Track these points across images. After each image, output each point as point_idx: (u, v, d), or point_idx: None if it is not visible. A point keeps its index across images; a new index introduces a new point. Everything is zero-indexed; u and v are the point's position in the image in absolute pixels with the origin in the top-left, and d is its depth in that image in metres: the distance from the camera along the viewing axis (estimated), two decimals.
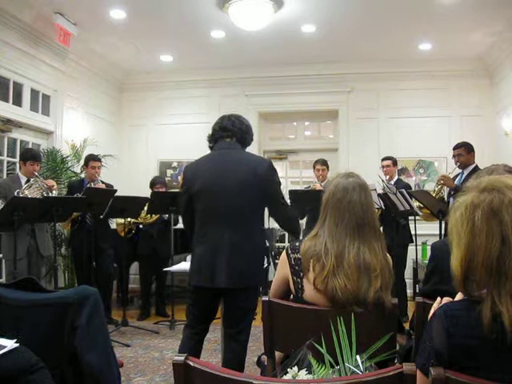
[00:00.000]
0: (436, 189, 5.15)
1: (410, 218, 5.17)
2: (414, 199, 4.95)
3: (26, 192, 4.45)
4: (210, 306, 2.83)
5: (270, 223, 6.45)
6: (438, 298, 1.39)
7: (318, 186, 5.80)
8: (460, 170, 5.06)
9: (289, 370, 1.45)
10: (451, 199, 5.00)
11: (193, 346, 2.81)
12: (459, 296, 1.27)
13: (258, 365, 2.27)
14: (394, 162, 5.79)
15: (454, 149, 5.07)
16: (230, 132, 2.81)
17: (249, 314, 2.82)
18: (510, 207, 1.14)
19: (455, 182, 4.90)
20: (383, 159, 5.82)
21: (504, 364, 1.11)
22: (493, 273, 1.13)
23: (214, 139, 2.87)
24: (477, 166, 4.87)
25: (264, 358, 2.06)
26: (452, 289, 1.65)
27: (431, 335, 1.19)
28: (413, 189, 5.90)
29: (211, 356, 4.20)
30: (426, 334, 1.22)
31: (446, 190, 5.24)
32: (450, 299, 1.30)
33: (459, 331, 1.15)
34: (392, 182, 5.65)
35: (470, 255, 1.16)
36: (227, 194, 2.68)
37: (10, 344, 1.84)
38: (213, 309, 2.86)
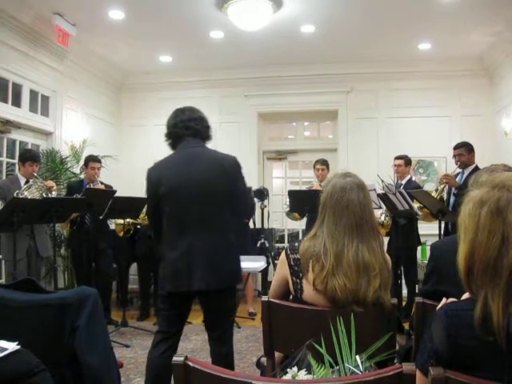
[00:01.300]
0: (439, 188, 5.14)
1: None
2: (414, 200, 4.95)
3: (26, 193, 4.45)
4: (184, 309, 2.74)
5: (270, 223, 6.48)
6: (444, 299, 1.39)
7: (316, 186, 5.80)
8: (460, 170, 5.06)
9: (288, 370, 1.45)
10: (452, 198, 5.00)
11: (165, 351, 2.66)
12: (466, 296, 1.27)
13: (257, 366, 2.26)
14: (407, 162, 5.75)
15: (455, 149, 5.08)
16: (193, 130, 2.69)
17: (230, 314, 2.79)
18: None
19: (456, 181, 4.90)
20: (396, 158, 5.79)
21: (502, 364, 1.11)
22: (489, 271, 1.13)
23: (174, 137, 2.72)
24: (477, 165, 4.87)
25: (264, 359, 2.05)
26: (451, 289, 1.66)
27: (431, 335, 1.19)
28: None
29: (210, 356, 4.20)
30: (427, 334, 1.22)
31: (445, 190, 5.24)
32: (455, 300, 1.29)
33: (459, 331, 1.15)
34: (403, 182, 5.64)
35: (472, 250, 1.16)
36: (197, 196, 2.58)
37: (11, 346, 1.83)
38: (187, 311, 2.77)
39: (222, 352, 2.71)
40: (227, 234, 2.66)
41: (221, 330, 2.70)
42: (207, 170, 2.62)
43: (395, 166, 5.74)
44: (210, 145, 2.86)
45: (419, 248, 5.58)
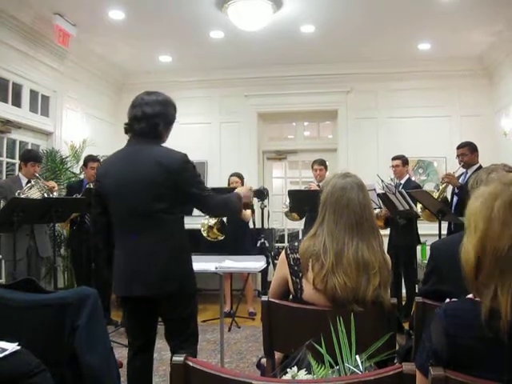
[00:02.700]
0: (441, 188, 5.13)
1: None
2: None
3: (28, 193, 4.45)
4: (141, 318, 2.53)
5: (270, 223, 6.47)
6: (447, 300, 1.39)
7: (314, 186, 5.81)
8: (464, 170, 5.06)
9: (288, 370, 1.45)
10: (455, 198, 5.00)
11: (139, 367, 2.56)
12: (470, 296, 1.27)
13: (258, 368, 2.26)
14: (404, 162, 5.75)
15: (458, 148, 5.07)
16: (141, 127, 2.49)
17: (184, 324, 2.53)
18: None
19: (459, 181, 4.89)
20: (393, 158, 5.79)
21: (502, 364, 1.11)
22: (500, 263, 1.13)
23: (129, 130, 2.56)
24: (480, 165, 4.85)
25: (264, 361, 2.06)
26: (451, 289, 1.66)
27: (430, 335, 1.19)
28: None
29: (210, 356, 4.20)
30: (426, 334, 1.22)
31: (447, 190, 5.24)
32: (455, 300, 1.30)
33: (459, 331, 1.15)
34: (402, 182, 5.64)
35: (483, 242, 1.16)
36: (136, 195, 2.41)
37: (11, 347, 1.83)
38: (145, 321, 2.55)
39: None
40: (170, 236, 2.46)
41: (179, 340, 2.50)
42: (146, 169, 2.42)
43: (393, 166, 5.74)
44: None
45: (419, 248, 5.58)
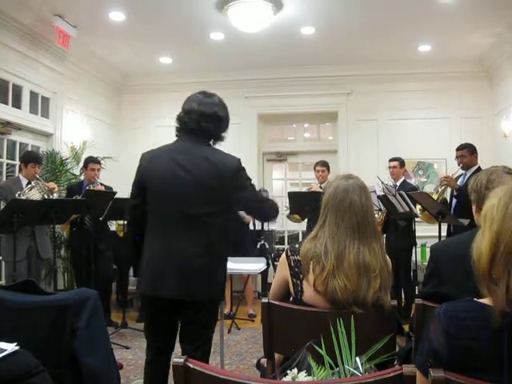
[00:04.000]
0: (439, 190, 5.14)
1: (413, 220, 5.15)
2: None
3: (28, 194, 4.45)
4: (165, 320, 2.45)
5: (270, 225, 6.47)
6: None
7: (315, 187, 5.81)
8: (463, 171, 5.06)
9: (288, 371, 1.45)
10: (454, 200, 5.00)
11: (157, 370, 2.49)
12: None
13: (257, 368, 2.26)
14: (402, 164, 5.78)
15: (457, 150, 5.08)
16: (198, 126, 2.41)
17: (204, 330, 2.45)
18: None
19: (458, 183, 4.90)
20: (390, 160, 5.81)
21: (502, 365, 1.11)
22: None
23: (180, 125, 2.48)
24: (479, 167, 4.87)
25: (263, 361, 2.05)
26: (451, 290, 1.66)
27: (430, 336, 1.19)
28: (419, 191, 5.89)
29: (210, 358, 4.19)
30: (426, 334, 1.22)
31: (447, 192, 5.24)
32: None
33: (459, 332, 1.14)
34: (398, 184, 5.65)
35: (498, 236, 1.17)
36: (184, 194, 2.33)
37: (10, 347, 1.83)
38: (170, 324, 2.48)
39: (197, 356, 2.40)
40: (212, 243, 2.37)
41: (193, 345, 2.41)
42: (199, 169, 2.35)
43: (390, 167, 5.75)
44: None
45: (418, 250, 5.58)
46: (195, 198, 2.34)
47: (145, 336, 2.56)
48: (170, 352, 2.51)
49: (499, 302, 1.12)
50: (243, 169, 2.45)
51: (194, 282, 2.33)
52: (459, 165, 5.03)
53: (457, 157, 5.06)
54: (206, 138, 2.45)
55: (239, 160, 2.45)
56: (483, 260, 1.19)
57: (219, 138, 2.51)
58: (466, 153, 4.98)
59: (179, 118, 2.48)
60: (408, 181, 6.12)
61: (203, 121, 2.41)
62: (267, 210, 2.61)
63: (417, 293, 5.22)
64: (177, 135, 2.51)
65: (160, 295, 2.35)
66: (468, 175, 4.91)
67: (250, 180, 2.50)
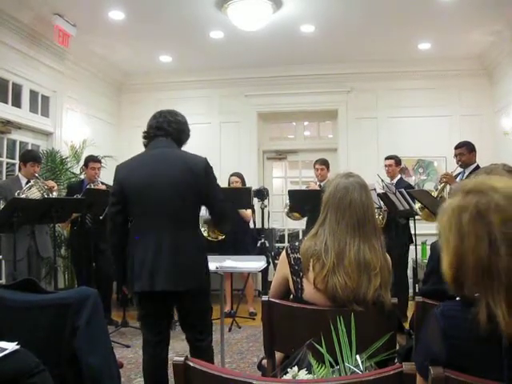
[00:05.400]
0: (439, 187, 5.14)
1: (411, 218, 5.16)
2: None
3: (27, 193, 4.45)
4: (159, 313, 2.68)
5: (270, 223, 6.48)
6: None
7: (313, 185, 5.81)
8: (461, 169, 5.06)
9: (289, 370, 1.45)
10: None
11: (157, 363, 2.66)
12: None
13: (258, 369, 2.26)
14: (397, 162, 5.77)
15: (456, 148, 5.08)
16: (165, 131, 2.70)
17: (203, 315, 2.76)
18: (497, 210, 1.14)
19: (456, 180, 4.90)
20: (386, 158, 5.81)
21: (501, 364, 1.10)
22: (484, 276, 1.13)
23: (148, 137, 2.76)
24: (478, 165, 4.87)
25: (265, 362, 2.05)
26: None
27: (427, 337, 1.19)
28: (415, 188, 5.90)
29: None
30: (423, 335, 1.22)
31: (446, 190, 5.24)
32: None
33: (457, 332, 1.14)
34: (394, 182, 5.65)
35: (459, 259, 1.16)
36: (163, 195, 2.58)
37: (10, 346, 1.83)
38: (163, 316, 2.71)
39: (200, 348, 2.72)
40: (192, 235, 2.65)
41: (196, 330, 2.71)
42: (172, 170, 2.62)
43: (386, 166, 5.75)
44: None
45: (419, 248, 5.59)
46: (176, 198, 2.60)
47: (142, 333, 2.76)
48: (168, 345, 2.75)
49: (480, 320, 1.12)
50: (211, 167, 2.73)
51: (184, 274, 2.58)
52: (458, 163, 5.04)
53: (455, 155, 5.06)
54: (175, 141, 2.74)
55: (206, 159, 2.72)
56: (449, 280, 1.20)
57: (181, 140, 2.80)
58: (465, 151, 4.98)
59: (148, 130, 2.76)
60: (405, 179, 6.13)
61: (171, 127, 2.72)
62: (227, 211, 2.88)
63: (417, 291, 5.24)
64: (145, 145, 2.78)
65: (155, 290, 2.55)
66: (467, 173, 4.91)
67: (216, 179, 2.78)
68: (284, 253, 2.02)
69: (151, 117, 2.80)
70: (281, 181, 8.30)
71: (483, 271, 1.12)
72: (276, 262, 5.66)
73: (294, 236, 7.91)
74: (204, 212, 2.99)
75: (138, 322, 2.90)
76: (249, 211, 5.71)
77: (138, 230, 2.65)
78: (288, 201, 5.74)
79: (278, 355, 2.03)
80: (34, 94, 5.97)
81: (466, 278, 1.16)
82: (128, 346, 4.50)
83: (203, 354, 2.66)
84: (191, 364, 1.20)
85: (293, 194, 5.69)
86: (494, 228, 1.12)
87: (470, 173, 4.74)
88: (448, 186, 5.05)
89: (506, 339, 1.08)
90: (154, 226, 2.59)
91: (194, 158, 2.70)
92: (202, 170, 2.63)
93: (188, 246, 2.61)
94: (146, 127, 2.79)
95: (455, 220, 1.17)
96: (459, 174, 5.08)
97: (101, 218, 4.91)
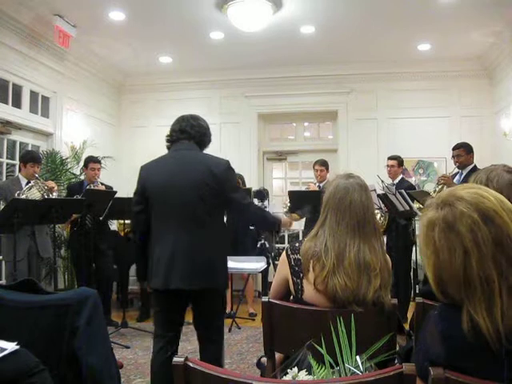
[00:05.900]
0: (437, 189, 5.14)
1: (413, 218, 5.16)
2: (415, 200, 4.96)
3: (27, 194, 4.45)
4: (174, 310, 2.76)
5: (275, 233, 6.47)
6: None
7: (313, 186, 5.80)
8: (459, 170, 5.07)
9: (289, 370, 1.45)
10: None
11: (167, 359, 2.67)
12: None
13: (258, 367, 2.26)
14: (400, 163, 5.74)
15: (454, 149, 5.08)
16: (188, 134, 2.79)
17: (216, 315, 2.80)
18: (463, 218, 1.15)
19: (454, 181, 4.91)
20: (389, 158, 5.78)
21: (500, 364, 1.10)
22: (462, 285, 1.14)
23: (171, 140, 2.85)
24: (475, 166, 4.88)
25: (264, 360, 2.06)
26: None
27: (426, 340, 1.19)
28: (416, 189, 5.89)
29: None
30: (421, 337, 1.22)
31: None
32: None
33: (455, 334, 1.14)
34: (395, 182, 5.64)
35: (438, 273, 1.18)
36: (182, 195, 2.65)
37: (10, 346, 1.83)
38: (178, 313, 2.78)
39: (210, 349, 2.76)
40: (211, 235, 2.69)
41: (208, 331, 2.76)
42: (193, 171, 2.68)
43: (388, 166, 5.74)
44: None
45: (419, 248, 5.59)
46: (195, 199, 2.64)
47: (154, 328, 2.81)
48: (177, 342, 2.79)
49: (465, 326, 1.13)
50: (233, 169, 2.80)
51: (198, 274, 2.62)
52: (455, 164, 5.04)
53: (453, 156, 5.07)
54: (197, 144, 2.81)
55: (228, 161, 2.78)
56: (435, 290, 1.21)
57: (204, 143, 2.88)
58: (463, 152, 4.98)
59: (171, 133, 2.85)
60: (406, 179, 6.11)
61: (193, 130, 2.80)
62: (254, 217, 2.96)
63: (417, 291, 5.24)
64: (168, 148, 2.86)
65: (169, 288, 2.62)
66: (464, 174, 4.93)
67: (240, 184, 2.82)
68: (284, 254, 2.02)
69: (174, 121, 2.88)
70: (281, 181, 8.30)
71: (461, 281, 1.14)
72: (276, 262, 5.66)
73: (294, 237, 7.90)
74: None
75: (153, 316, 2.96)
76: None
77: (157, 229, 2.72)
78: (288, 201, 5.74)
79: (278, 356, 2.03)
80: (34, 95, 5.97)
81: (447, 289, 1.18)
82: (128, 347, 4.50)
83: (212, 354, 2.71)
84: (191, 365, 1.20)
85: (293, 195, 5.68)
86: (464, 237, 1.14)
87: (468, 174, 4.75)
88: (445, 188, 5.07)
89: (505, 340, 1.08)
90: (173, 226, 2.66)
91: (216, 160, 2.77)
92: (222, 172, 2.69)
93: (205, 246, 2.65)
94: (169, 131, 2.87)
95: (429, 236, 1.20)
96: (456, 174, 5.09)
97: (101, 218, 4.92)
